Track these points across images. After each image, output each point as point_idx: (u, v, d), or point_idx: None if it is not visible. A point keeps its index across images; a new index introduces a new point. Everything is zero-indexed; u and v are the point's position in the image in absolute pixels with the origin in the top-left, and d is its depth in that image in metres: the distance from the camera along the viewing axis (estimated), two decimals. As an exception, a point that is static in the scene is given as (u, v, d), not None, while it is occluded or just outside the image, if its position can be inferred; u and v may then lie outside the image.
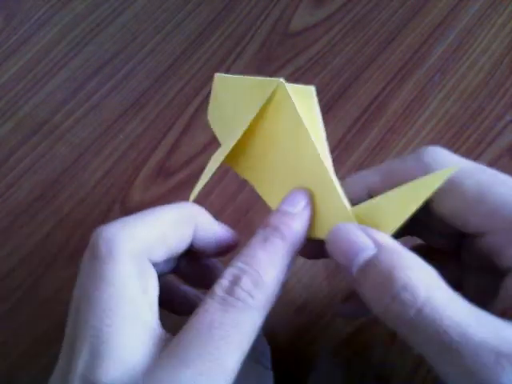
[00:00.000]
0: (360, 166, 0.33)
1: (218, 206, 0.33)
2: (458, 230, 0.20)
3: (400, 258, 0.17)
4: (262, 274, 0.18)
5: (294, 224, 0.20)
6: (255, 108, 0.21)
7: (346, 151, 0.34)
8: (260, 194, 0.23)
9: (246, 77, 0.22)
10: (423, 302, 0.15)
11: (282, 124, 0.21)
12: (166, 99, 0.37)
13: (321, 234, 0.20)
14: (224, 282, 0.18)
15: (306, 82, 0.36)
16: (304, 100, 0.21)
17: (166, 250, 0.20)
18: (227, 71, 0.38)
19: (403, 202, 0.18)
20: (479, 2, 0.38)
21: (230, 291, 0.18)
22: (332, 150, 0.35)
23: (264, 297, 0.18)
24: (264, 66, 0.38)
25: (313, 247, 0.21)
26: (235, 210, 0.33)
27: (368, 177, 0.22)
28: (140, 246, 0.19)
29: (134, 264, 0.18)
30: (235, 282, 0.18)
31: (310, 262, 0.30)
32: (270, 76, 0.21)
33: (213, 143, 0.35)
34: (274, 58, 0.38)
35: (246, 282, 0.18)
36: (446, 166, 0.19)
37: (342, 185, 0.20)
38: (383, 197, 0.19)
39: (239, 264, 0.18)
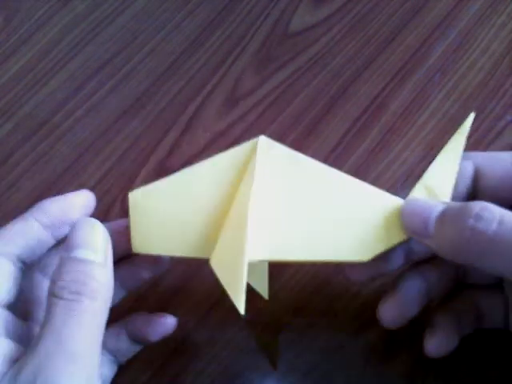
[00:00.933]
0: (360, 166, 0.33)
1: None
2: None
3: (468, 202, 0.19)
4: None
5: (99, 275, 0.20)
6: (243, 182, 0.21)
7: (346, 151, 0.34)
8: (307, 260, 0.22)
9: (190, 169, 0.24)
10: (502, 215, 0.18)
11: (277, 178, 0.22)
12: (166, 99, 0.37)
13: (394, 239, 0.22)
14: None
15: (306, 82, 0.37)
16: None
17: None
18: (227, 71, 0.38)
19: (445, 169, 0.22)
20: (479, 1, 0.38)
21: None
22: (332, 150, 0.35)
23: None
24: (264, 66, 0.38)
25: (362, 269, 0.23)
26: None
27: None
28: None
29: None
30: None
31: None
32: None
33: (213, 143, 0.35)
34: (274, 58, 0.38)
35: None
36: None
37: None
38: (425, 176, 0.22)
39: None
